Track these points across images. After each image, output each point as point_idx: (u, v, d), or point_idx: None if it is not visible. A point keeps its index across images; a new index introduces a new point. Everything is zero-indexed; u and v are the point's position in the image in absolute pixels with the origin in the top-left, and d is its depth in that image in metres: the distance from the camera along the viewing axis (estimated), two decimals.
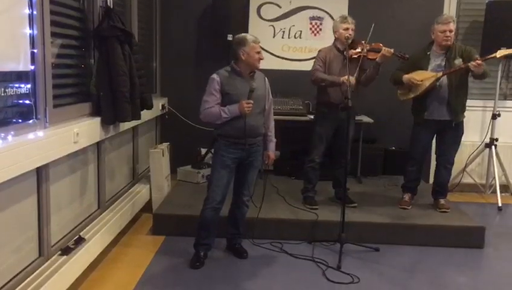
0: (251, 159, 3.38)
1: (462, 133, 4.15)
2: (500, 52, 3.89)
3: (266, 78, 3.49)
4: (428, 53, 4.04)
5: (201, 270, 3.30)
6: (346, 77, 3.76)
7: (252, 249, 3.61)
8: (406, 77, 4.02)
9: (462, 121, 4.11)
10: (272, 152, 3.52)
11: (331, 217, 3.87)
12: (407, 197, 4.31)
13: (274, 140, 3.54)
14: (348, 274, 3.25)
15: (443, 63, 3.98)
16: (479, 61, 3.75)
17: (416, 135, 4.19)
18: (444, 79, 3.95)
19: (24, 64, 2.42)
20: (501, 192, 4.98)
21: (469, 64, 3.79)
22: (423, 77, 3.97)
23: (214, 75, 3.30)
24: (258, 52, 3.28)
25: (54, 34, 2.78)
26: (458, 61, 3.93)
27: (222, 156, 3.31)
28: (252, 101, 3.21)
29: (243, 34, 3.35)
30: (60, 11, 2.92)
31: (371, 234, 3.82)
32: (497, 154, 5.08)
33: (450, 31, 3.91)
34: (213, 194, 3.33)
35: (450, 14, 5.29)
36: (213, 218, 3.37)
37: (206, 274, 3.24)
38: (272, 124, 3.54)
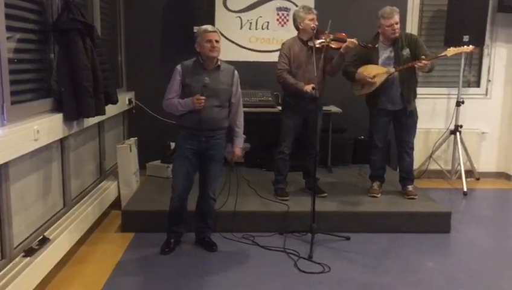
0: (211, 152, 3.36)
1: (417, 118, 4.24)
2: (450, 51, 3.98)
3: (236, 71, 3.44)
4: (376, 46, 4.09)
5: (171, 265, 3.26)
6: (311, 85, 3.77)
7: (224, 243, 3.60)
8: (358, 74, 4.07)
9: (415, 107, 4.20)
10: (238, 148, 3.48)
11: (302, 207, 3.89)
12: (375, 185, 4.37)
13: (242, 136, 3.50)
14: (319, 264, 3.27)
15: (392, 54, 4.07)
16: (425, 62, 3.83)
17: (375, 124, 4.26)
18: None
19: None
20: (466, 177, 5.10)
21: (415, 64, 3.88)
22: (375, 72, 4.02)
23: (178, 66, 3.34)
24: (209, 41, 3.22)
25: (9, 28, 2.67)
26: (406, 52, 4.02)
27: (181, 147, 3.35)
28: (203, 97, 3.18)
29: (201, 26, 3.32)
30: (15, 4, 2.80)
31: (342, 223, 3.86)
32: (461, 140, 5.21)
33: (396, 23, 3.99)
34: (175, 185, 3.40)
35: (414, 4, 5.38)
36: (179, 207, 3.41)
37: (177, 269, 3.21)
38: (241, 120, 3.48)
